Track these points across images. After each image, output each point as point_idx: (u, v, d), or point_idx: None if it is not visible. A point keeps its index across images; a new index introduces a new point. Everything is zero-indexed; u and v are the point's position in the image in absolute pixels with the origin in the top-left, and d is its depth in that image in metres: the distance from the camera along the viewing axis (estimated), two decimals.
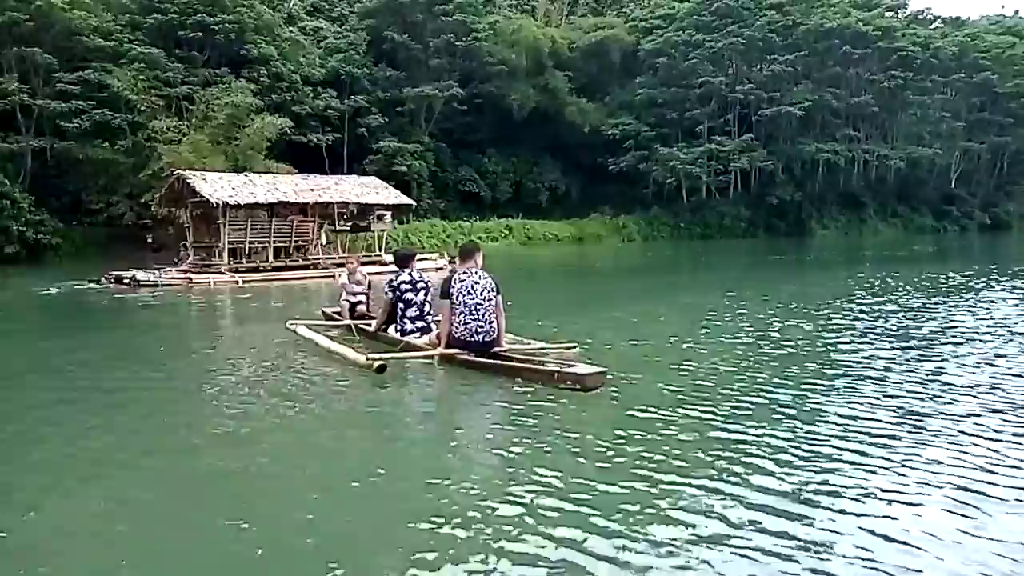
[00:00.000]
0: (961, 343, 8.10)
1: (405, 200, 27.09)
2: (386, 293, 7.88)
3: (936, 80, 57.01)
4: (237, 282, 19.68)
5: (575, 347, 6.95)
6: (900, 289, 14.13)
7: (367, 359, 6.48)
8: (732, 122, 52.77)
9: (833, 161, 53.38)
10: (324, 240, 25.05)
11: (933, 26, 64.15)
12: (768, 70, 52.37)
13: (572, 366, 5.96)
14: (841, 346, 8.01)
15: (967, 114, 59.19)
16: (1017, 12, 78.65)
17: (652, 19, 56.60)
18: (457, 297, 6.68)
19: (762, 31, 52.37)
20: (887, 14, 59.57)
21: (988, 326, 9.27)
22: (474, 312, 6.65)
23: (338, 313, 10.01)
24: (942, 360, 7.12)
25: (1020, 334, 8.49)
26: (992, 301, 12.04)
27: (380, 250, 26.01)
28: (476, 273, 6.80)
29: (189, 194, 22.40)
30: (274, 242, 23.24)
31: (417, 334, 7.62)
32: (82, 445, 4.86)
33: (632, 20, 57.48)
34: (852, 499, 3.54)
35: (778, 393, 5.70)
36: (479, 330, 6.66)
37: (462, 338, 6.69)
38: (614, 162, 51.07)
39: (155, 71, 34.92)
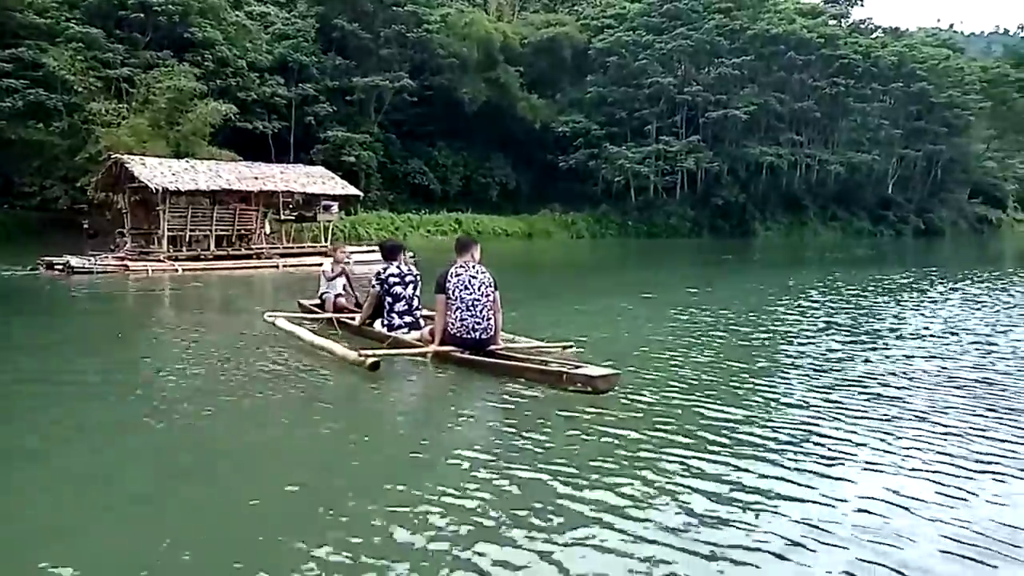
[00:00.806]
0: (914, 336, 8.62)
1: (352, 191, 26.74)
2: (373, 286, 7.51)
3: (876, 88, 58.84)
4: (176, 270, 19.16)
5: (572, 347, 6.65)
6: (850, 289, 14.67)
7: (359, 355, 6.05)
8: (680, 123, 53.56)
9: (776, 164, 54.66)
10: (268, 229, 24.58)
11: (874, 36, 66.24)
12: (715, 73, 53.31)
13: (580, 367, 5.58)
14: (804, 337, 8.43)
15: (904, 122, 61.20)
16: (952, 26, 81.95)
17: (603, 18, 57.11)
18: (453, 292, 6.36)
19: (710, 34, 53.25)
20: (831, 22, 61.27)
21: (937, 322, 9.82)
22: (471, 308, 6.34)
23: (317, 305, 9.41)
24: (899, 350, 7.59)
25: (966, 330, 9.07)
26: (934, 301, 12.64)
27: (326, 241, 25.65)
28: (473, 267, 6.49)
29: (127, 179, 21.69)
30: (216, 230, 22.68)
31: (405, 329, 7.24)
32: (74, 433, 4.76)
33: (584, 18, 57.96)
34: (838, 476, 3.80)
35: (756, 381, 6.03)
36: (476, 327, 6.35)
37: (458, 335, 6.37)
38: (564, 159, 51.38)
39: (94, 51, 33.78)
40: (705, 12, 54.64)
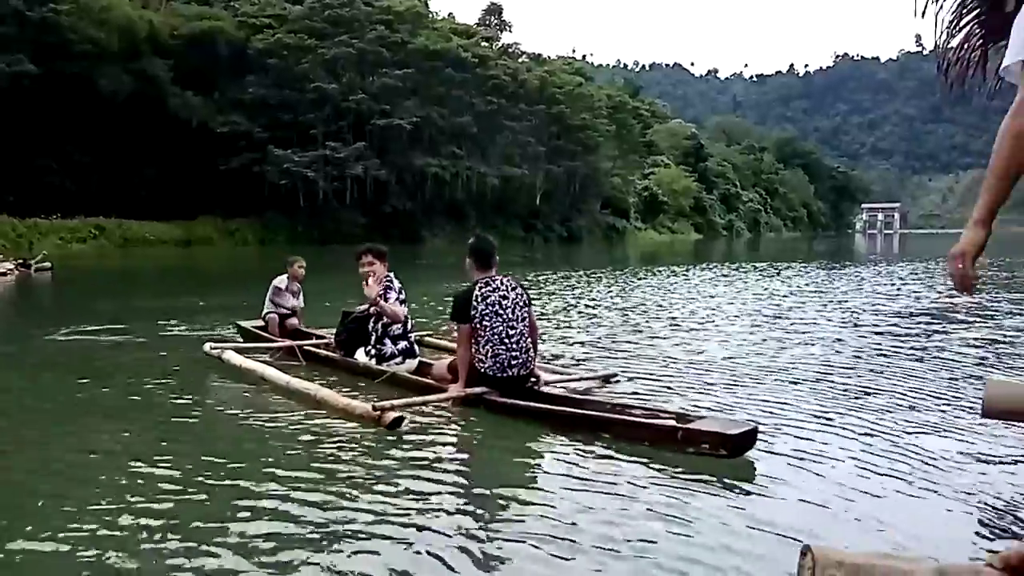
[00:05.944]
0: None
1: None
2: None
3: (523, 108, 64.59)
4: None
5: (617, 378, 5.50)
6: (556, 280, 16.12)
7: (373, 408, 4.38)
8: (347, 129, 53.47)
9: (440, 175, 57.19)
10: None
11: (520, 60, 72.66)
12: (380, 83, 54.18)
13: (694, 420, 4.09)
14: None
15: (548, 140, 67.95)
16: (584, 57, 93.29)
17: (262, 17, 54.85)
18: (482, 320, 4.80)
19: (373, 44, 54.05)
20: (483, 43, 65.96)
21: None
22: (507, 340, 4.79)
23: (262, 328, 7.39)
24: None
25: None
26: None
27: None
28: (503, 283, 4.94)
29: None
30: None
31: (400, 359, 5.67)
32: None
33: (241, 16, 55.12)
34: None
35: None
36: (513, 362, 4.79)
37: (489, 373, 4.80)
38: (225, 162, 48.29)
39: None
40: (367, 21, 55.31)
